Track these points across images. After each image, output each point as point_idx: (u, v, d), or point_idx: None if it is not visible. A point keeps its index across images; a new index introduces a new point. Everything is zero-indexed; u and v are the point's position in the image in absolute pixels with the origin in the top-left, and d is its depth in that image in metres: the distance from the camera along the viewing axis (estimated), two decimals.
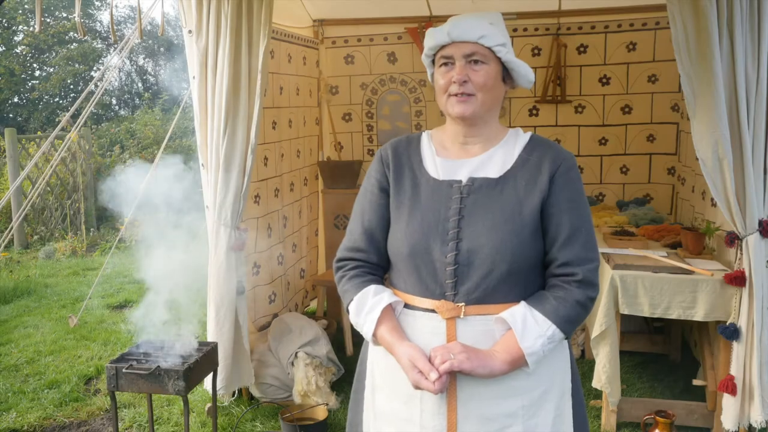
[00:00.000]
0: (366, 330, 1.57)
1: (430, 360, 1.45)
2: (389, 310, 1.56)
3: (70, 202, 8.76)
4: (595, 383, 3.13)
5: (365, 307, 1.57)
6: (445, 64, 1.56)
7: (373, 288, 1.59)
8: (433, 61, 1.62)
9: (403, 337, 1.52)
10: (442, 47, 1.56)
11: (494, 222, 1.49)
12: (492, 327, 1.49)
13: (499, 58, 1.55)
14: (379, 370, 1.64)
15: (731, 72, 2.66)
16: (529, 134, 1.63)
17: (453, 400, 1.50)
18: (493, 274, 1.47)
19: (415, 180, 1.60)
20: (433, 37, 1.58)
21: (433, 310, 1.51)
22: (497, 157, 1.58)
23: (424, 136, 1.68)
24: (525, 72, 1.58)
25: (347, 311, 1.63)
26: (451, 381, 1.48)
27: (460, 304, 1.49)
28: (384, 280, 1.68)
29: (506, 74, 1.58)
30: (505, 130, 1.64)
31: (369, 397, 1.67)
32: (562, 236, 1.50)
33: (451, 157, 1.61)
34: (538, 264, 1.54)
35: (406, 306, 1.57)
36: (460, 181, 1.55)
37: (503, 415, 1.50)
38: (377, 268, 1.66)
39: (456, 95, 1.52)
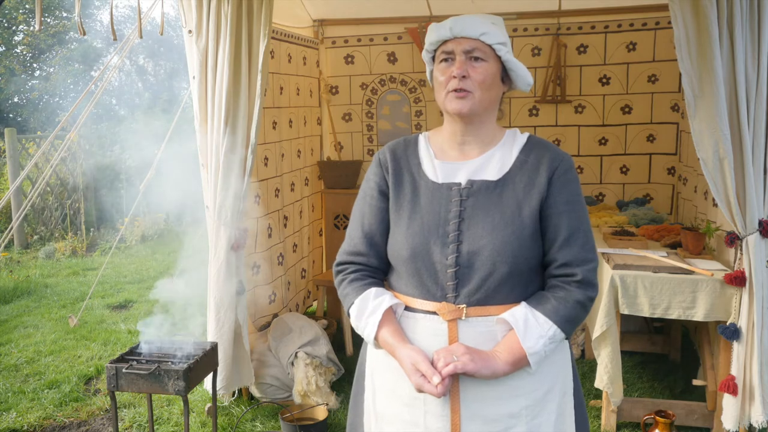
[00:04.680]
0: (367, 333, 1.56)
1: (432, 363, 1.45)
2: (390, 312, 1.56)
3: (70, 202, 8.75)
4: (598, 383, 3.13)
5: (366, 311, 1.56)
6: (446, 60, 1.56)
7: (373, 291, 1.59)
8: (433, 59, 1.62)
9: (404, 340, 1.52)
10: (444, 43, 1.57)
11: (494, 224, 1.49)
12: (493, 328, 1.50)
13: (498, 58, 1.55)
14: (380, 372, 1.64)
15: (731, 72, 2.66)
16: (526, 135, 1.63)
17: (456, 401, 1.50)
18: (493, 276, 1.48)
19: (414, 183, 1.60)
20: (435, 32, 1.58)
21: (434, 312, 1.51)
22: (495, 159, 1.58)
23: (422, 139, 1.68)
24: (523, 74, 1.58)
25: (348, 315, 1.63)
26: (454, 382, 1.49)
27: (462, 306, 1.49)
28: (384, 283, 1.68)
29: (505, 75, 1.59)
30: (503, 131, 1.64)
31: (369, 400, 1.67)
32: (561, 237, 1.51)
33: (450, 160, 1.61)
34: (538, 265, 1.54)
35: (407, 308, 1.57)
36: (459, 184, 1.56)
37: (506, 416, 1.50)
38: (377, 272, 1.66)
39: (454, 91, 1.52)
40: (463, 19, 1.54)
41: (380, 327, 1.54)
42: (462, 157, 1.60)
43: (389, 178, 1.63)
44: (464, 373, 1.43)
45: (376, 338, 1.55)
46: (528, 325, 1.46)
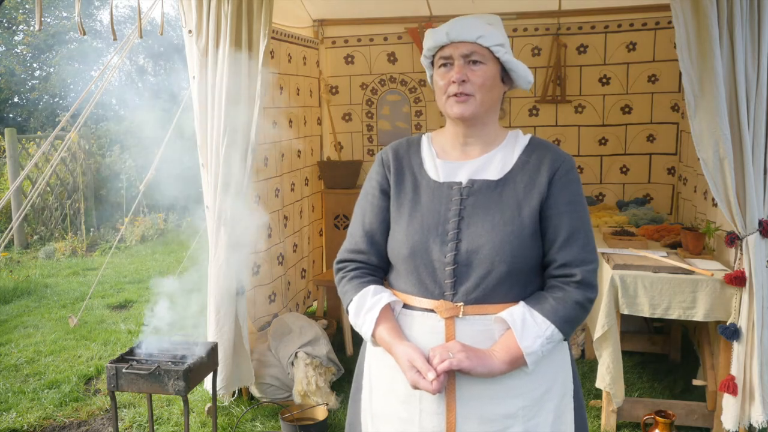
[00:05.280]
0: (365, 330, 1.57)
1: (428, 360, 1.45)
2: (388, 310, 1.56)
3: (70, 202, 8.76)
4: (599, 384, 3.13)
5: (364, 308, 1.57)
6: (444, 65, 1.56)
7: (372, 288, 1.59)
8: (432, 63, 1.63)
9: (401, 337, 1.52)
10: (441, 48, 1.57)
11: (494, 223, 1.50)
12: (491, 327, 1.50)
13: (497, 59, 1.55)
14: (377, 370, 1.64)
15: (731, 72, 2.66)
16: (528, 136, 1.63)
17: (452, 400, 1.50)
18: (492, 275, 1.48)
19: (415, 182, 1.61)
20: (431, 38, 1.59)
21: (431, 310, 1.52)
22: (497, 159, 1.58)
23: (424, 139, 1.68)
24: (524, 73, 1.58)
25: (347, 312, 1.63)
26: (450, 381, 1.49)
27: (459, 304, 1.49)
28: (384, 281, 1.68)
29: (505, 75, 1.59)
30: (505, 131, 1.64)
31: (366, 398, 1.68)
32: (561, 238, 1.51)
33: (451, 159, 1.61)
34: (537, 265, 1.54)
35: (405, 306, 1.57)
36: (460, 183, 1.56)
37: (503, 416, 1.50)
38: (377, 270, 1.66)
39: (455, 95, 1.53)
40: (460, 22, 1.54)
41: (377, 324, 1.54)
42: (464, 157, 1.61)
43: (391, 177, 1.64)
44: (459, 370, 1.43)
45: (373, 335, 1.56)
46: (525, 325, 1.46)
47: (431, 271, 1.52)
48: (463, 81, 1.52)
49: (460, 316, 1.49)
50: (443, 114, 1.61)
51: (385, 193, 1.64)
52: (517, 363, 1.46)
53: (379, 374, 1.63)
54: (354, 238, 1.67)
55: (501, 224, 1.49)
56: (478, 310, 1.49)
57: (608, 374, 3.08)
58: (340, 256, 1.69)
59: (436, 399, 1.50)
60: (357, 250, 1.65)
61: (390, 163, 1.65)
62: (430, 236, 1.52)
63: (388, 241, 1.62)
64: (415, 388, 1.45)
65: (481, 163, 1.58)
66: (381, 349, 1.58)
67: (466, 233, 1.50)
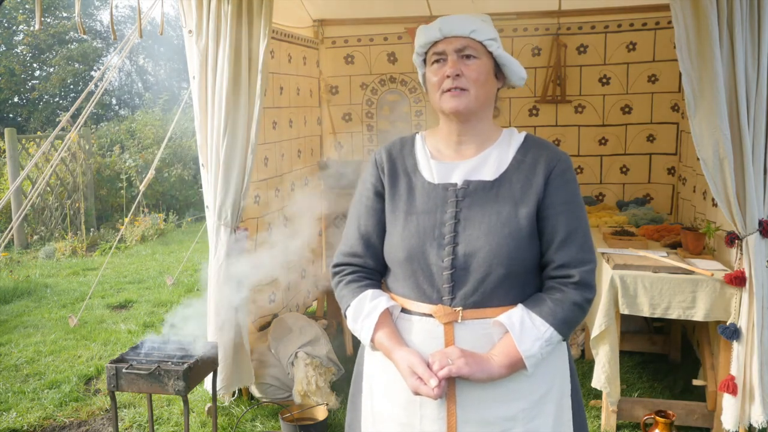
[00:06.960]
0: (364, 335, 1.56)
1: (428, 366, 1.44)
2: (387, 314, 1.55)
3: (70, 202, 8.75)
4: (595, 383, 3.13)
5: (362, 313, 1.56)
6: (437, 61, 1.56)
7: (370, 293, 1.58)
8: (425, 61, 1.62)
9: (401, 343, 1.51)
10: (434, 44, 1.57)
11: (490, 225, 1.48)
12: (490, 330, 1.49)
13: (490, 53, 1.55)
14: (377, 374, 1.63)
15: (731, 72, 2.66)
16: (524, 134, 1.62)
17: (452, 404, 1.49)
18: (490, 278, 1.47)
19: (410, 184, 1.59)
20: (424, 34, 1.58)
21: (430, 315, 1.50)
22: (492, 158, 1.57)
23: (418, 138, 1.67)
24: (516, 68, 1.58)
25: (345, 317, 1.62)
26: (450, 385, 1.48)
27: (458, 309, 1.48)
28: (381, 284, 1.67)
29: (498, 70, 1.58)
30: (500, 130, 1.63)
31: (367, 401, 1.67)
32: (558, 238, 1.50)
33: (446, 160, 1.60)
34: (535, 266, 1.53)
35: (403, 310, 1.56)
36: (456, 185, 1.54)
37: (503, 419, 1.49)
38: (374, 273, 1.65)
39: (449, 90, 1.52)
40: (452, 18, 1.54)
41: (376, 329, 1.53)
42: (458, 157, 1.59)
43: (385, 179, 1.62)
44: (459, 376, 1.42)
45: (372, 340, 1.55)
46: (524, 328, 1.45)
47: (429, 275, 1.51)
48: (458, 75, 1.51)
49: (459, 321, 1.48)
50: (437, 111, 1.60)
51: (379, 195, 1.63)
52: (516, 366, 1.45)
53: (379, 378, 1.62)
54: (350, 241, 1.65)
55: (498, 226, 1.48)
56: (476, 314, 1.48)
57: (603, 373, 3.08)
58: (336, 259, 1.68)
59: (437, 404, 1.49)
60: (353, 254, 1.64)
61: (384, 164, 1.63)
62: (427, 240, 1.51)
63: (384, 244, 1.61)
64: (417, 394, 1.45)
65: (475, 162, 1.57)
66: (380, 354, 1.57)
67: (462, 236, 1.49)
